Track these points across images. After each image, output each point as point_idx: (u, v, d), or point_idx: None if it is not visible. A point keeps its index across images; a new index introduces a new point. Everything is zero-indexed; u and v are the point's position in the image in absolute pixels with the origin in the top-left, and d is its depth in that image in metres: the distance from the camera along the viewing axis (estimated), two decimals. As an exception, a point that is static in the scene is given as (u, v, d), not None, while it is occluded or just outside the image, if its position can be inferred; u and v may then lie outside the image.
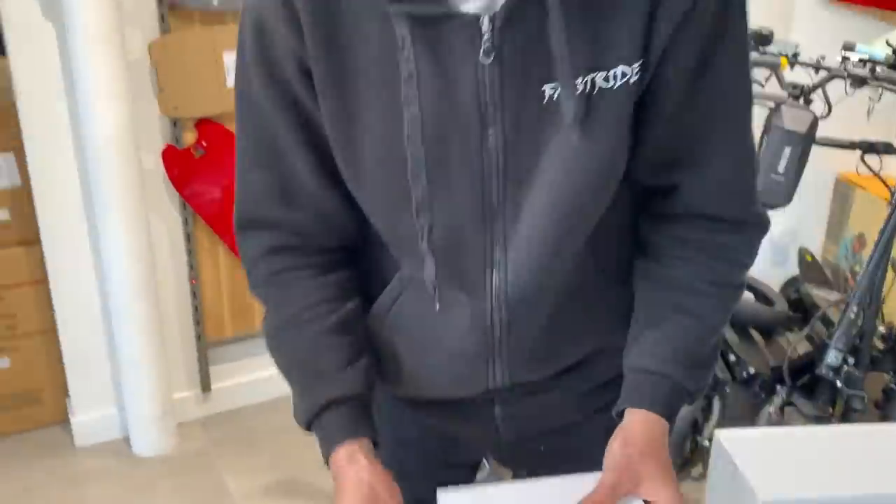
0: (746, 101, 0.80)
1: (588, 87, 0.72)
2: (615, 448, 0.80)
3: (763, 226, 0.85)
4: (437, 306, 0.82)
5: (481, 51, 0.71)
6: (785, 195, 1.91)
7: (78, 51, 1.98)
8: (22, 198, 2.26)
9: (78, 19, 1.94)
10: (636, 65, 0.72)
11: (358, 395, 0.83)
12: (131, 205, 2.12)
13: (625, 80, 0.72)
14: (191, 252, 2.37)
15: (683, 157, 0.80)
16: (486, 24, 0.70)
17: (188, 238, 2.36)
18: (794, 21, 2.61)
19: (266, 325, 0.89)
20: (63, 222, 2.21)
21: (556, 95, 0.72)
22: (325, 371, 0.84)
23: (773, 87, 1.95)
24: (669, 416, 0.83)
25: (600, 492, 0.77)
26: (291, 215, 0.84)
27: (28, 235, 2.28)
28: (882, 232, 1.91)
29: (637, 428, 0.81)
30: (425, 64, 0.71)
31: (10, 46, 2.05)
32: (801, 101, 1.97)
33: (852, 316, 1.92)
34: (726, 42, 0.74)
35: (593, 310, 0.88)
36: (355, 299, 0.88)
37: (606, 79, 0.72)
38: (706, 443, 2.09)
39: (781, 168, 1.87)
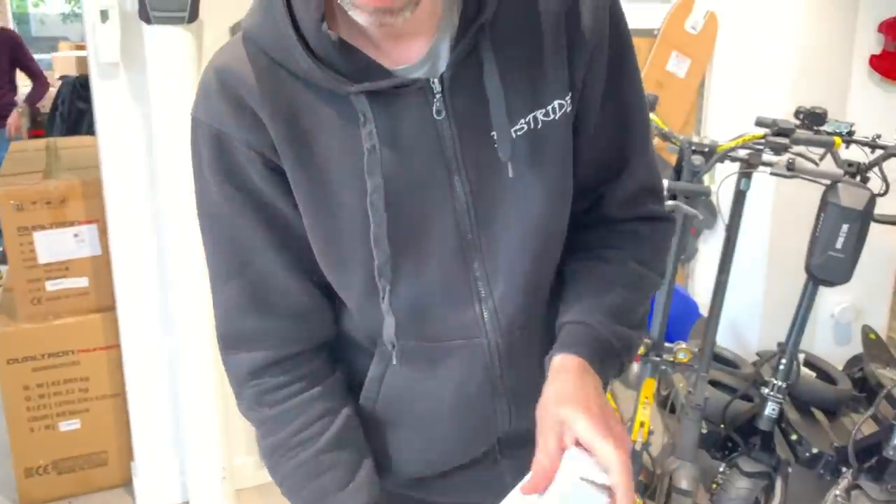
0: (645, 114, 0.90)
1: (532, 124, 0.80)
2: (538, 410, 0.76)
3: (672, 220, 0.94)
4: (394, 360, 0.85)
5: (434, 109, 0.78)
6: (844, 272, 1.90)
7: (159, 133, 2.11)
8: (101, 266, 2.39)
9: (160, 104, 2.09)
10: (567, 97, 0.82)
11: None
12: (201, 276, 2.22)
13: (563, 110, 0.81)
14: (255, 321, 2.44)
15: (605, 171, 0.88)
16: (437, 86, 0.77)
17: (253, 307, 2.43)
18: (850, 100, 2.63)
19: (261, 448, 0.89)
20: (138, 291, 2.32)
21: (495, 137, 0.79)
22: (328, 492, 0.84)
23: (828, 165, 1.96)
24: (592, 360, 0.80)
25: (539, 460, 0.73)
26: (268, 324, 0.85)
27: (105, 302, 2.41)
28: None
29: (555, 368, 0.79)
30: (386, 133, 0.77)
31: (99, 127, 2.21)
32: (858, 178, 1.98)
33: (919, 396, 1.88)
34: (623, 67, 0.85)
35: None
36: (347, 405, 0.88)
37: (546, 114, 0.81)
38: (768, 525, 2.03)
39: (839, 245, 1.87)
